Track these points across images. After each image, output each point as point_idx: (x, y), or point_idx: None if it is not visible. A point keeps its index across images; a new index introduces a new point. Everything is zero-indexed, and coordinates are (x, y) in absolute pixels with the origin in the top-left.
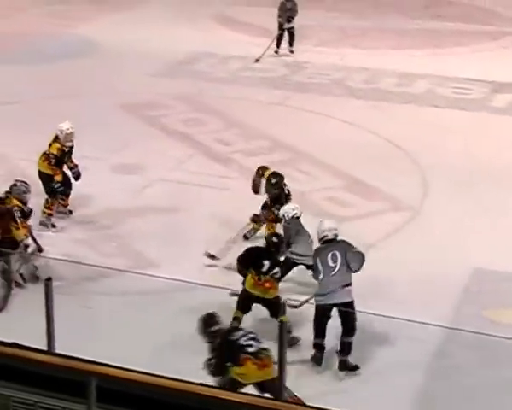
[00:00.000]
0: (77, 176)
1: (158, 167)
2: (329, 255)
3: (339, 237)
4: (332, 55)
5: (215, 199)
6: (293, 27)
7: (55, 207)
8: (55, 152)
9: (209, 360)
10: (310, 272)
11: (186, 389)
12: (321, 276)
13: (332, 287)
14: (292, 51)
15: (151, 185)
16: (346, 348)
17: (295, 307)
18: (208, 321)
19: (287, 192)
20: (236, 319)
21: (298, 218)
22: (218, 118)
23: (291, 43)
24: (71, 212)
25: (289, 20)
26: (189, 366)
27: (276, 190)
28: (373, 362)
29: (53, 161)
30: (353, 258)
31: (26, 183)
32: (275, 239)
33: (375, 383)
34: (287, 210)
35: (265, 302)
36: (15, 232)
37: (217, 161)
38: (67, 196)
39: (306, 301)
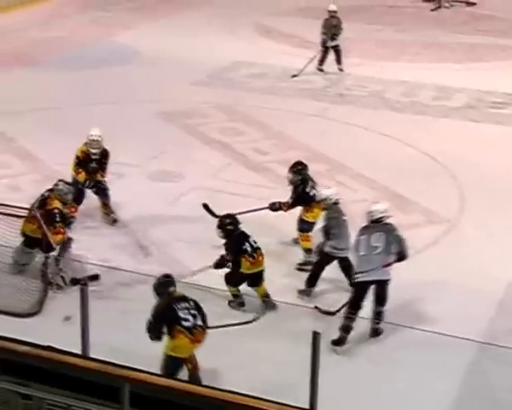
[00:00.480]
0: (100, 190)
1: (195, 175)
2: (375, 235)
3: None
4: (371, 68)
5: (251, 208)
6: (338, 45)
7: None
8: (78, 154)
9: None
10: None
11: (218, 396)
12: (362, 252)
13: (372, 265)
14: (341, 69)
15: (188, 193)
16: (378, 317)
17: (332, 313)
18: (166, 282)
19: (312, 194)
20: (237, 296)
21: (337, 203)
22: (255, 128)
23: (339, 61)
24: (115, 221)
25: (334, 37)
26: (223, 371)
27: (297, 177)
28: (400, 375)
29: (76, 161)
30: (395, 240)
31: (68, 183)
32: (229, 227)
33: (399, 397)
34: (331, 194)
35: (256, 275)
36: (52, 236)
37: (254, 170)
38: (106, 204)
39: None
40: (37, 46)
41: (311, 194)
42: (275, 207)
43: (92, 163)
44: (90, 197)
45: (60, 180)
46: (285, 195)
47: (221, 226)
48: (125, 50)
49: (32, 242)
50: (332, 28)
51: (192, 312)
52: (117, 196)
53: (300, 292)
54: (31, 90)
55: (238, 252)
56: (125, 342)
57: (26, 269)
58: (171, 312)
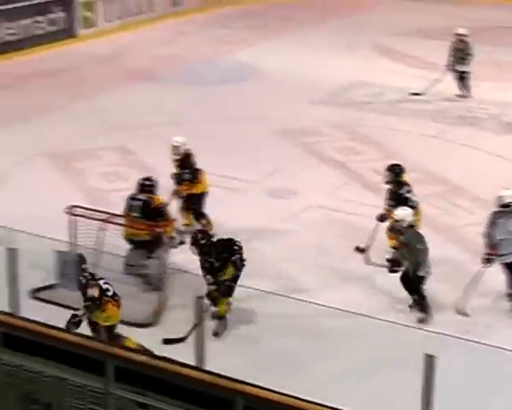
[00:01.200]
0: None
1: (311, 193)
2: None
3: None
4: (490, 90)
5: (367, 228)
6: (466, 71)
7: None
8: None
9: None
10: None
11: None
12: (501, 236)
13: (510, 249)
14: (461, 95)
15: (304, 211)
16: None
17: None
18: (81, 262)
19: (404, 197)
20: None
21: (412, 226)
22: (373, 147)
23: (461, 87)
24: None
25: (462, 61)
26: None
27: (390, 177)
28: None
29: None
30: None
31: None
32: (202, 241)
33: None
34: (405, 215)
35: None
36: (166, 230)
37: (370, 190)
38: (197, 218)
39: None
40: (158, 62)
41: (404, 196)
42: (382, 217)
43: (177, 170)
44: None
45: (144, 179)
46: None
47: (195, 243)
48: (243, 68)
49: (137, 245)
50: (459, 52)
51: (106, 280)
52: (232, 211)
53: (420, 320)
54: (150, 106)
55: (230, 255)
56: (238, 355)
57: (136, 271)
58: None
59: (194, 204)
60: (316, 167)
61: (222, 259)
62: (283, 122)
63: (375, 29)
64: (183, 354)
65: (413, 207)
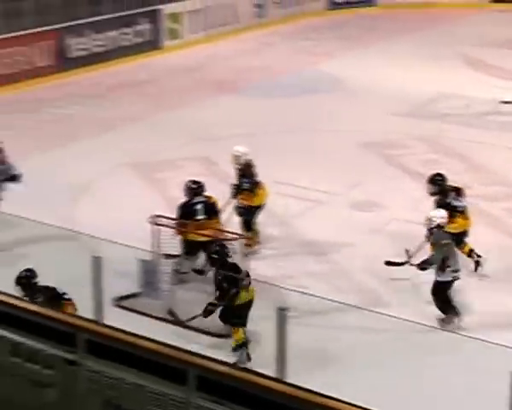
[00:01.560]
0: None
1: (395, 206)
2: None
3: None
4: None
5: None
6: None
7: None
8: None
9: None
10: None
11: None
12: None
13: None
14: None
15: (388, 224)
16: None
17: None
18: (31, 275)
19: (453, 205)
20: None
21: (442, 227)
22: (457, 160)
23: None
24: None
25: None
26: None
27: (434, 189)
28: None
29: None
30: None
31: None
32: (213, 255)
33: None
34: (436, 216)
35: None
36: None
37: None
38: (245, 229)
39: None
40: (242, 74)
41: (452, 204)
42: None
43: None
44: (285, 222)
45: (192, 183)
46: (485, 230)
47: (208, 253)
48: (327, 79)
49: (194, 247)
50: None
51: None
52: (314, 223)
53: (442, 320)
54: (233, 117)
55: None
56: (321, 370)
57: (186, 278)
58: (56, 295)
59: (245, 215)
60: (399, 180)
61: (229, 281)
62: (366, 134)
63: (461, 40)
64: (264, 365)
65: (461, 213)
